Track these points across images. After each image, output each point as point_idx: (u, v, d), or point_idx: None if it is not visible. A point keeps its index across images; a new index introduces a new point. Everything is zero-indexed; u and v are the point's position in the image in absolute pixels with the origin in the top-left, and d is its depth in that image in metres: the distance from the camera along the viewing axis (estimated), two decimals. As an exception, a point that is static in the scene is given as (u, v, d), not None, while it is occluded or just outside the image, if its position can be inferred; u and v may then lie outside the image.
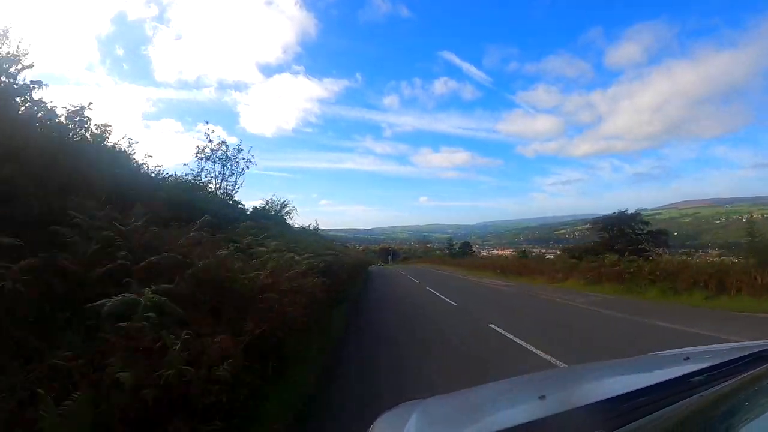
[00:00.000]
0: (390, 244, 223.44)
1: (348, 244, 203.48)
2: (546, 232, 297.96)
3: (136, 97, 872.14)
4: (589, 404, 1.12)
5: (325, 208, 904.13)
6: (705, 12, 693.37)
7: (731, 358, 1.40)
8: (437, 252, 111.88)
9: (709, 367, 1.32)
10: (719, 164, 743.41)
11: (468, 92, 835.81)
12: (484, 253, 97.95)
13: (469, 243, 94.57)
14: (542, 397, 1.28)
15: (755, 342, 1.80)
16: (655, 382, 1.24)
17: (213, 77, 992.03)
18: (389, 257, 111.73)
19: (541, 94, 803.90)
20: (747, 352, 1.43)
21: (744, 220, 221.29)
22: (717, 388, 1.07)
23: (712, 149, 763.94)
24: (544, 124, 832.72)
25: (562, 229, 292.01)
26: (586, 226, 27.19)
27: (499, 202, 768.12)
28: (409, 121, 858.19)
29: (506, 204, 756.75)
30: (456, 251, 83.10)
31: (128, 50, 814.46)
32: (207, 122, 18.41)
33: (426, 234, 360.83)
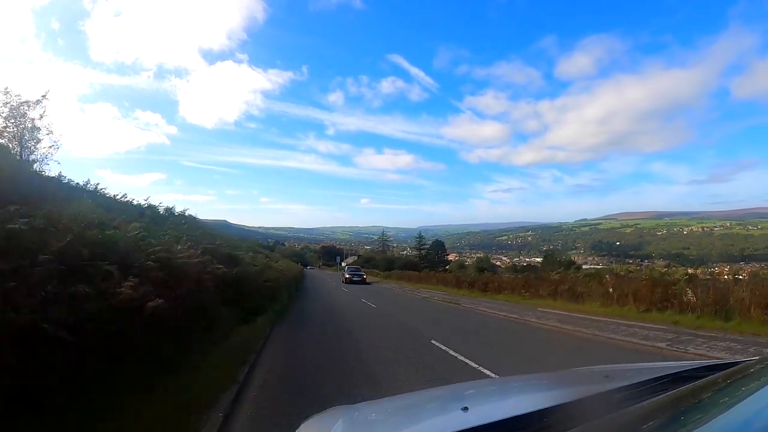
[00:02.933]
0: (335, 243, 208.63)
1: (286, 243, 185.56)
2: (487, 238, 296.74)
3: (71, 77, 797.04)
4: (509, 418, 1.15)
5: (266, 206, 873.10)
6: (659, 29, 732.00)
7: (649, 377, 1.42)
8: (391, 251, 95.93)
9: (628, 385, 1.36)
10: (657, 179, 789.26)
11: (415, 95, 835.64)
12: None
13: (442, 243, 79.51)
14: (465, 409, 1.31)
15: (673, 363, 1.89)
16: (575, 398, 1.30)
17: (152, 61, 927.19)
18: (338, 259, 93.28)
19: (489, 100, 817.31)
20: (664, 373, 1.47)
21: (684, 232, 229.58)
22: (633, 407, 1.09)
23: (651, 164, 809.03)
24: (489, 130, 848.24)
25: (504, 236, 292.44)
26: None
27: (440, 206, 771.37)
28: (353, 122, 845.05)
29: (447, 209, 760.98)
30: (428, 253, 68.96)
31: (64, 24, 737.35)
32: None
33: (367, 236, 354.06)
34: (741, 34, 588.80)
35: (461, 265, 72.58)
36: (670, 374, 1.45)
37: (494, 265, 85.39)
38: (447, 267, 65.29)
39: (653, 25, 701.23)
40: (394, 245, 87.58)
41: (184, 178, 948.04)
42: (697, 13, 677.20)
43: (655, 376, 1.43)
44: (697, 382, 1.09)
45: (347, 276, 35.92)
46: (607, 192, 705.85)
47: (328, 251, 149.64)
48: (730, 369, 1.13)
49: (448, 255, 75.37)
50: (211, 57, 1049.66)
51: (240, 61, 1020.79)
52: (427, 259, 65.86)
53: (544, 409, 1.18)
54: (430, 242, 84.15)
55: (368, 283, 35.36)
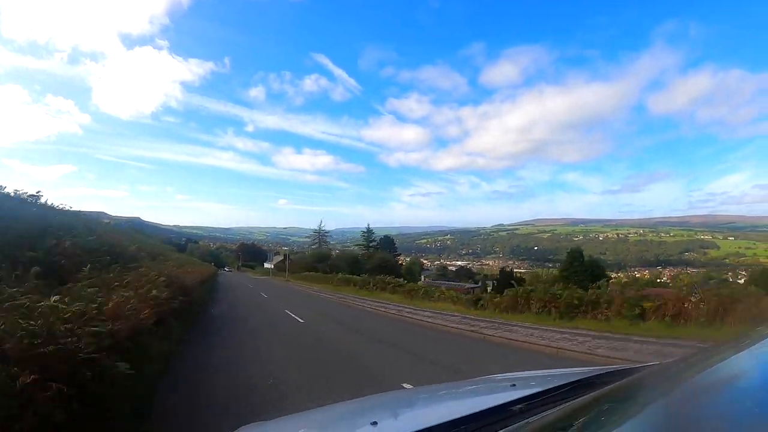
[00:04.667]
0: (254, 242, 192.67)
1: (199, 241, 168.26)
2: (407, 241, 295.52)
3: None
4: (417, 431, 1.18)
5: (181, 204, 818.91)
6: (586, 43, 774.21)
7: (553, 385, 1.46)
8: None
9: (533, 394, 1.40)
10: (572, 188, 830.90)
11: (338, 94, 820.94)
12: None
13: (392, 240, 68.39)
14: (374, 423, 1.33)
15: (578, 369, 1.93)
16: (481, 408, 1.32)
17: (68, 42, 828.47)
18: (270, 255, 77.45)
19: (412, 104, 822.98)
20: (567, 380, 1.50)
21: (600, 238, 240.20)
22: (537, 416, 1.13)
23: (567, 174, 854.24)
24: (410, 134, 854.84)
25: (423, 239, 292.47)
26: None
27: (359, 209, 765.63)
28: (274, 120, 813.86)
29: (365, 212, 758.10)
30: (376, 251, 58.25)
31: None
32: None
33: (284, 237, 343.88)
34: (664, 53, 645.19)
35: (410, 270, 62.76)
36: (574, 381, 1.47)
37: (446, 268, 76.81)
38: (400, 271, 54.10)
39: (580, 39, 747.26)
40: (373, 237, 71.52)
41: (97, 172, 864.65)
42: (624, 31, 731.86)
43: (560, 383, 1.46)
44: (602, 390, 1.10)
45: None
46: (524, 199, 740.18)
47: (247, 250, 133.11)
48: (635, 375, 1.16)
49: (399, 255, 65.31)
50: (130, 42, 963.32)
51: (160, 48, 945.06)
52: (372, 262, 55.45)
53: (452, 420, 1.20)
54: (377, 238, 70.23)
55: None
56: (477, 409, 1.29)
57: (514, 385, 1.68)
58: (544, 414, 1.13)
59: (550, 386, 1.45)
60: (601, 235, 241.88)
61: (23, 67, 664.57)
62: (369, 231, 71.72)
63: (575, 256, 39.51)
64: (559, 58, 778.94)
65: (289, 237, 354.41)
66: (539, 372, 2.27)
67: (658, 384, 0.96)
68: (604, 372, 1.62)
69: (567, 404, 1.12)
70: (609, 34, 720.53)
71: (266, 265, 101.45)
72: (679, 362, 1.08)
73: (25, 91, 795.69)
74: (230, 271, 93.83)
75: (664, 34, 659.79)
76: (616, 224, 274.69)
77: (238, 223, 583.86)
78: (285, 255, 69.24)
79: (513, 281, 19.29)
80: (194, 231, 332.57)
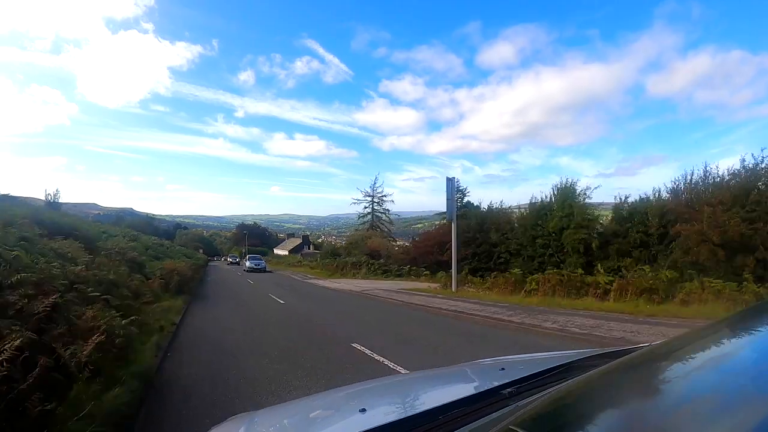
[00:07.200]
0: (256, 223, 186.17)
1: (190, 229, 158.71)
2: (404, 225, 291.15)
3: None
4: (406, 417, 1.20)
5: (173, 194, 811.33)
6: (584, 23, 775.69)
7: (541, 369, 1.48)
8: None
9: (521, 378, 1.41)
10: (566, 171, 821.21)
11: (329, 77, 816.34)
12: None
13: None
14: (363, 410, 1.34)
15: (566, 352, 1.96)
16: (470, 393, 1.34)
17: (51, 28, 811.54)
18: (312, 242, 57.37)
19: (406, 86, 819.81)
20: (557, 363, 1.53)
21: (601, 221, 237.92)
22: (526, 400, 1.15)
23: (561, 157, 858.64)
24: (404, 117, 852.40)
25: (419, 224, 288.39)
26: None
27: (352, 194, 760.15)
28: (264, 106, 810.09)
29: (359, 197, 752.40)
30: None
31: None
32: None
33: (278, 224, 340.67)
34: (664, 33, 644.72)
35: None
36: (564, 364, 1.50)
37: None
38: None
39: (579, 18, 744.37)
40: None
41: (87, 164, 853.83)
42: (623, 10, 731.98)
43: (549, 366, 1.48)
44: (592, 372, 1.11)
45: None
46: (516, 183, 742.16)
47: (251, 232, 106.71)
48: (624, 357, 1.15)
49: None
50: (115, 25, 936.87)
51: (145, 31, 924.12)
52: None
53: (441, 406, 1.20)
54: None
55: None
56: (466, 394, 1.30)
57: (503, 369, 1.69)
58: (533, 398, 1.14)
59: (539, 370, 1.46)
60: (602, 218, 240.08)
61: (8, 58, 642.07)
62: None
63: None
64: (558, 38, 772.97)
65: (283, 224, 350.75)
66: (528, 355, 2.27)
67: (649, 366, 0.94)
68: (594, 354, 1.63)
69: (556, 388, 1.13)
70: (608, 13, 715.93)
71: (277, 252, 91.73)
72: (669, 343, 1.06)
73: (10, 81, 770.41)
74: (260, 266, 42.14)
75: (664, 14, 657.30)
76: (610, 207, 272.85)
77: (230, 211, 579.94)
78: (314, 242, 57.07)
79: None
80: (187, 220, 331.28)
